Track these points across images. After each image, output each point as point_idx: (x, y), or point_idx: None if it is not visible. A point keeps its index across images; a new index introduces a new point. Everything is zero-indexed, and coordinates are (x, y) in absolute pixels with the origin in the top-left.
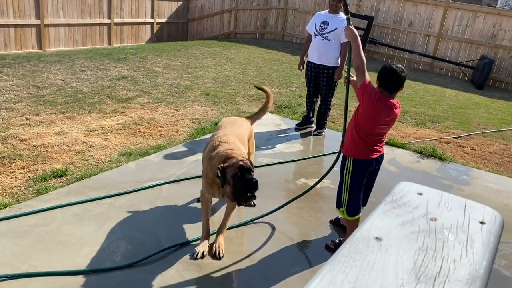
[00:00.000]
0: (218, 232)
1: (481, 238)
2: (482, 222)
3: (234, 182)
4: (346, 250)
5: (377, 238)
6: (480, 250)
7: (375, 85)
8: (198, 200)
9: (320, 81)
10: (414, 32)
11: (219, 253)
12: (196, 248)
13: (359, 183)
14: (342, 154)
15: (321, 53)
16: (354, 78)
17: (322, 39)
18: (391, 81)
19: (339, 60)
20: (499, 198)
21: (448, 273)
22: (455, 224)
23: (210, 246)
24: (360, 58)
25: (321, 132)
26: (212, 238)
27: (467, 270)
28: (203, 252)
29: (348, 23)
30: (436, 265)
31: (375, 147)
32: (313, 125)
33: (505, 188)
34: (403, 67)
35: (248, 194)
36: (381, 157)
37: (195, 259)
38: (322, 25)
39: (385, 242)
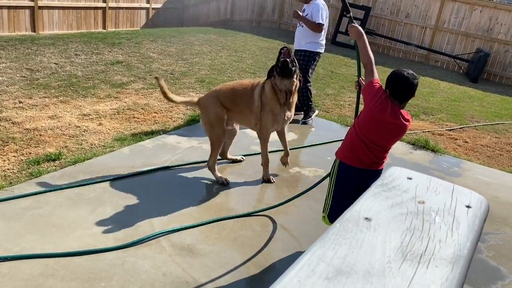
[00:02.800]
0: (287, 154)
1: (467, 220)
2: (468, 206)
3: (276, 64)
4: (336, 229)
5: (366, 218)
6: (465, 232)
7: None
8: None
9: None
10: (410, 23)
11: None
12: (267, 175)
13: (342, 191)
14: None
15: (297, 39)
16: (363, 82)
17: (298, 26)
18: (402, 89)
19: (314, 45)
20: (490, 190)
21: (433, 252)
22: (442, 207)
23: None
24: (367, 56)
25: (307, 120)
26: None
27: (451, 249)
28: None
29: (351, 21)
30: (422, 244)
31: (370, 157)
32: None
33: (495, 180)
34: (414, 73)
35: (280, 59)
36: (375, 173)
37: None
38: (293, 12)
39: (374, 222)
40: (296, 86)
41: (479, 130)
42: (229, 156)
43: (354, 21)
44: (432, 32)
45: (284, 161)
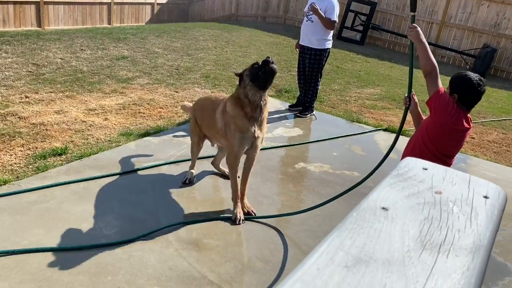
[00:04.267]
0: (242, 195)
1: (485, 211)
2: (486, 197)
3: (251, 72)
4: (353, 218)
5: (383, 208)
6: (483, 222)
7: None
8: (184, 182)
9: (306, 62)
10: (417, 18)
11: (253, 211)
12: (235, 211)
13: None
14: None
15: (304, 34)
16: (415, 99)
17: (307, 21)
18: (475, 98)
19: (324, 43)
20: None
21: (453, 241)
22: (459, 198)
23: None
24: (431, 61)
25: (306, 115)
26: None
27: (471, 239)
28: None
29: (413, 21)
30: (441, 234)
31: None
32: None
33: (502, 176)
34: (481, 78)
35: (266, 66)
36: None
37: (239, 223)
38: (310, 7)
39: (391, 212)
40: (267, 103)
41: (486, 126)
42: (221, 167)
43: (414, 20)
44: (439, 27)
45: (241, 204)
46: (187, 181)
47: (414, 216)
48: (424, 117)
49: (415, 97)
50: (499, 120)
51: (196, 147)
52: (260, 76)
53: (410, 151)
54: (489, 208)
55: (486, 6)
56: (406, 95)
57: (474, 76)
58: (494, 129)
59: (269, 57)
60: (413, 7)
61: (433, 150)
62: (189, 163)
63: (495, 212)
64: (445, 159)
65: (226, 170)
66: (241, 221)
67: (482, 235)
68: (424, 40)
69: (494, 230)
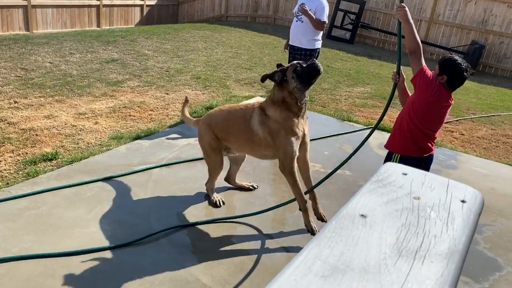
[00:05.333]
0: (313, 198)
1: (462, 215)
2: (463, 201)
3: (297, 73)
4: (332, 226)
5: (362, 215)
6: (460, 227)
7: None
8: (207, 199)
9: None
10: None
11: (324, 216)
12: (310, 224)
13: None
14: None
15: (294, 34)
16: (403, 74)
17: (297, 21)
18: (461, 81)
19: (314, 43)
20: (486, 182)
21: (428, 247)
22: (437, 203)
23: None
24: (415, 41)
25: None
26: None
27: (446, 245)
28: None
29: (402, 0)
30: (417, 240)
31: (428, 144)
32: None
33: (492, 172)
34: (468, 65)
35: (313, 68)
36: (431, 158)
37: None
38: (299, 8)
39: (370, 219)
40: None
41: (475, 122)
42: (237, 182)
43: (403, 1)
44: (427, 24)
45: (314, 208)
46: (218, 203)
47: (392, 223)
48: (410, 94)
49: (402, 73)
50: (488, 116)
51: (220, 164)
52: (306, 76)
53: (398, 126)
54: (465, 213)
55: (473, 3)
56: (395, 71)
57: (462, 61)
58: (483, 125)
59: (315, 60)
60: None
61: (418, 125)
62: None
63: (471, 216)
64: (430, 133)
65: (244, 183)
66: (316, 231)
67: (457, 240)
68: (411, 20)
69: (470, 235)
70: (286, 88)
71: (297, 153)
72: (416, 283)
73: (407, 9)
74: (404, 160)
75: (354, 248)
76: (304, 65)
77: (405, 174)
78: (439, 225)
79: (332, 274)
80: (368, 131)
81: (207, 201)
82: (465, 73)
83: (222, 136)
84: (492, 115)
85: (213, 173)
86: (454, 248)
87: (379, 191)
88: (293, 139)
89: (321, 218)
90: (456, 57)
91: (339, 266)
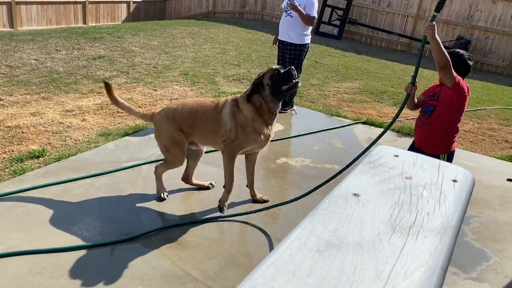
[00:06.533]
0: (251, 185)
1: (453, 194)
2: (454, 180)
3: (273, 80)
4: (325, 205)
5: (355, 194)
6: (452, 205)
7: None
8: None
9: (286, 58)
10: (392, 12)
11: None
12: (225, 203)
13: None
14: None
15: (284, 29)
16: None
17: (286, 16)
18: (468, 70)
19: (303, 38)
20: (473, 174)
21: (422, 223)
22: (429, 182)
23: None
24: (445, 56)
25: (286, 110)
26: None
27: (439, 221)
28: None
29: (433, 19)
30: (411, 217)
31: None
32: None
33: (478, 165)
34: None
35: (290, 81)
36: None
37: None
38: (288, 1)
39: (363, 197)
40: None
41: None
42: (194, 181)
43: (434, 19)
44: (414, 20)
45: (252, 194)
46: (162, 196)
47: (384, 201)
48: (416, 100)
49: (416, 84)
50: (474, 110)
51: (181, 158)
52: (282, 89)
53: (442, 130)
54: (457, 191)
55: None
56: (410, 82)
57: (464, 53)
58: (469, 119)
59: (293, 69)
60: (439, 8)
61: (459, 120)
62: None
63: (463, 194)
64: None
65: (202, 182)
66: (225, 211)
67: (450, 217)
68: (438, 38)
69: (462, 212)
70: (262, 95)
71: (248, 149)
72: (411, 257)
73: (435, 26)
74: (449, 157)
75: (348, 224)
76: (282, 71)
77: (397, 156)
78: (432, 203)
79: (327, 249)
80: (356, 125)
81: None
82: (470, 62)
83: (188, 129)
84: (478, 109)
85: (171, 165)
86: (447, 224)
87: (371, 171)
88: (253, 138)
89: (261, 200)
90: (457, 50)
91: (334, 242)
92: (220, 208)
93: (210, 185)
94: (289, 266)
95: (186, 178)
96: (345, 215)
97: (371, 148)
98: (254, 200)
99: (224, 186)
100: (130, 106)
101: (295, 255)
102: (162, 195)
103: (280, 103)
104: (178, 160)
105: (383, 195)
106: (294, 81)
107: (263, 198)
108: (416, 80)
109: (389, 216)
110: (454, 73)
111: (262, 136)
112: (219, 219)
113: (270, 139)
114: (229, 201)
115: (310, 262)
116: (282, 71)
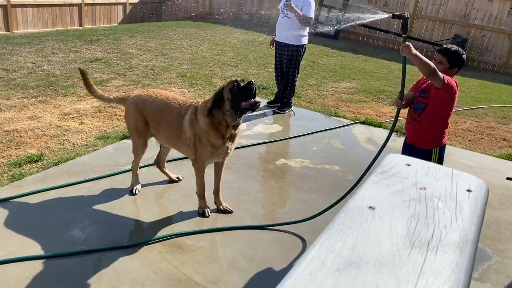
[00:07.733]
0: (217, 194)
1: (469, 204)
2: (469, 190)
3: (232, 93)
4: (341, 219)
5: (370, 207)
6: (468, 216)
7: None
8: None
9: (283, 58)
10: (389, 11)
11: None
12: (204, 208)
13: None
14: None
15: (281, 30)
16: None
17: (283, 17)
18: (463, 64)
19: (301, 38)
20: (473, 173)
21: (440, 237)
22: (443, 193)
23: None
24: (428, 66)
25: (284, 111)
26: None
27: (457, 234)
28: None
29: (404, 40)
30: (428, 231)
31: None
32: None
33: (477, 164)
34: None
35: (249, 99)
36: None
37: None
38: (285, 2)
39: (378, 210)
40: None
41: (460, 115)
42: (165, 170)
43: (406, 40)
44: (411, 19)
45: (215, 201)
46: (133, 191)
47: (401, 214)
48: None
49: (404, 98)
50: (472, 109)
51: (141, 149)
52: (241, 106)
53: (434, 125)
54: (472, 202)
55: None
56: (398, 97)
57: (458, 48)
58: (468, 118)
59: (252, 82)
60: (405, 30)
61: (449, 114)
62: (170, 164)
63: (478, 205)
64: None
65: (171, 174)
66: (208, 213)
67: (468, 230)
68: (416, 52)
69: (479, 223)
70: (222, 110)
71: (210, 162)
72: (432, 274)
73: (410, 45)
74: (441, 150)
75: (366, 240)
76: (242, 85)
77: (409, 165)
78: (448, 215)
79: (346, 267)
80: (355, 125)
81: (196, 195)
82: (463, 56)
83: (153, 125)
84: (476, 108)
85: (134, 153)
86: (466, 237)
87: (385, 182)
88: (210, 150)
89: (225, 211)
90: (455, 47)
91: (353, 259)
92: (199, 214)
93: (176, 179)
94: (309, 287)
95: (158, 163)
96: (362, 230)
97: (381, 155)
98: (218, 210)
99: (196, 192)
100: (103, 94)
101: (315, 275)
102: (133, 190)
103: (241, 118)
104: (136, 149)
105: (398, 207)
106: (253, 100)
107: (227, 208)
108: (404, 94)
109: (407, 230)
110: (441, 74)
111: (221, 149)
112: (225, 230)
113: (230, 152)
114: (204, 205)
115: (331, 282)
116: (242, 84)
